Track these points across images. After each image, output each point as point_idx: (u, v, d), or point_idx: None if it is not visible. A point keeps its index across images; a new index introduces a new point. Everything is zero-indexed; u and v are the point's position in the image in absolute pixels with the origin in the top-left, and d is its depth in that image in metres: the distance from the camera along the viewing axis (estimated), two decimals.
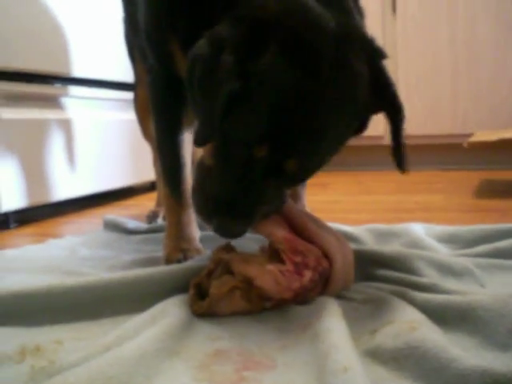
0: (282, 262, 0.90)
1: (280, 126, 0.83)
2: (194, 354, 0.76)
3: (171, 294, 0.95)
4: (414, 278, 0.98)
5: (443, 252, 1.21)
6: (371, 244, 1.32)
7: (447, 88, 3.35)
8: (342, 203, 2.19)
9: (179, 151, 1.22)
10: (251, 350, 0.77)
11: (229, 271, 0.90)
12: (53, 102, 2.21)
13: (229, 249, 0.98)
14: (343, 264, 0.95)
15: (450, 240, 1.30)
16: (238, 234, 0.93)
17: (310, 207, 1.50)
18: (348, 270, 0.97)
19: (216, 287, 0.88)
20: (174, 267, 1.03)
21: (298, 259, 0.90)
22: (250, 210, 0.90)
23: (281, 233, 0.94)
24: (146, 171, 2.65)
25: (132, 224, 1.66)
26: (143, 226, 1.66)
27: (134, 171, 2.67)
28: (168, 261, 1.18)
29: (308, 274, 0.89)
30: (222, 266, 0.92)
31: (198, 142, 0.91)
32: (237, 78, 0.82)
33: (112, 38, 2.45)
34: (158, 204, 1.87)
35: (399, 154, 0.97)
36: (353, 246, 1.21)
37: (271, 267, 0.88)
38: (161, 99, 1.23)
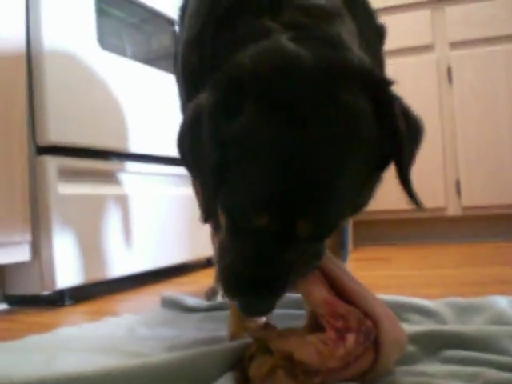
0: (321, 329, 0.81)
1: (273, 189, 0.73)
2: None
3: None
4: (501, 359, 0.86)
5: None
6: (451, 319, 1.20)
7: (509, 155, 3.23)
8: (410, 278, 2.06)
9: None
10: None
11: (267, 350, 0.82)
12: (110, 178, 2.20)
13: (266, 327, 0.89)
14: (391, 324, 0.84)
15: None
16: (264, 311, 0.82)
17: (375, 282, 1.39)
18: (398, 332, 0.86)
19: (255, 369, 0.80)
20: (232, 345, 0.94)
21: (339, 324, 0.80)
22: (273, 284, 0.79)
23: (320, 293, 0.84)
24: (202, 247, 2.60)
25: (191, 301, 1.58)
26: (203, 303, 1.58)
27: (189, 247, 2.61)
28: (233, 340, 1.09)
29: (351, 337, 0.79)
30: (259, 345, 0.84)
31: (202, 216, 0.84)
32: (216, 147, 0.76)
33: (166, 113, 2.47)
34: (217, 280, 1.79)
35: (408, 191, 0.84)
36: (431, 323, 1.12)
37: (311, 338, 0.79)
38: None
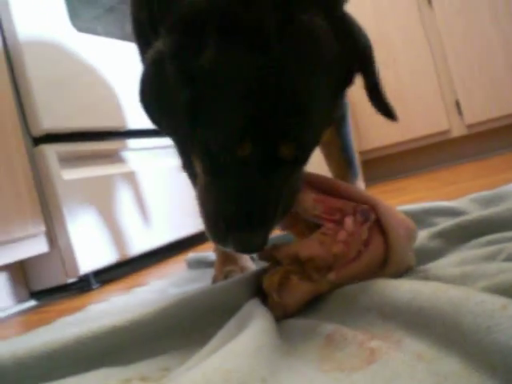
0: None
1: (251, 115, 0.72)
2: (307, 350, 0.64)
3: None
4: None
5: None
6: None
7: (502, 66, 3.17)
8: (428, 198, 2.04)
9: None
10: (363, 327, 0.65)
11: (278, 264, 0.82)
12: (113, 157, 2.18)
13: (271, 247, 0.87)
14: (391, 212, 0.83)
15: None
16: (260, 245, 0.78)
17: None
18: (402, 220, 0.84)
19: (267, 279, 0.80)
20: (254, 272, 0.94)
21: (337, 216, 0.81)
22: (264, 216, 0.77)
23: (309, 195, 0.84)
24: None
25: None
26: None
27: None
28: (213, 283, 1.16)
29: (349, 220, 0.80)
30: (270, 264, 0.85)
31: (184, 166, 0.84)
32: (185, 85, 0.74)
33: None
34: None
35: (381, 104, 0.86)
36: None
37: (312, 235, 0.81)
38: None
